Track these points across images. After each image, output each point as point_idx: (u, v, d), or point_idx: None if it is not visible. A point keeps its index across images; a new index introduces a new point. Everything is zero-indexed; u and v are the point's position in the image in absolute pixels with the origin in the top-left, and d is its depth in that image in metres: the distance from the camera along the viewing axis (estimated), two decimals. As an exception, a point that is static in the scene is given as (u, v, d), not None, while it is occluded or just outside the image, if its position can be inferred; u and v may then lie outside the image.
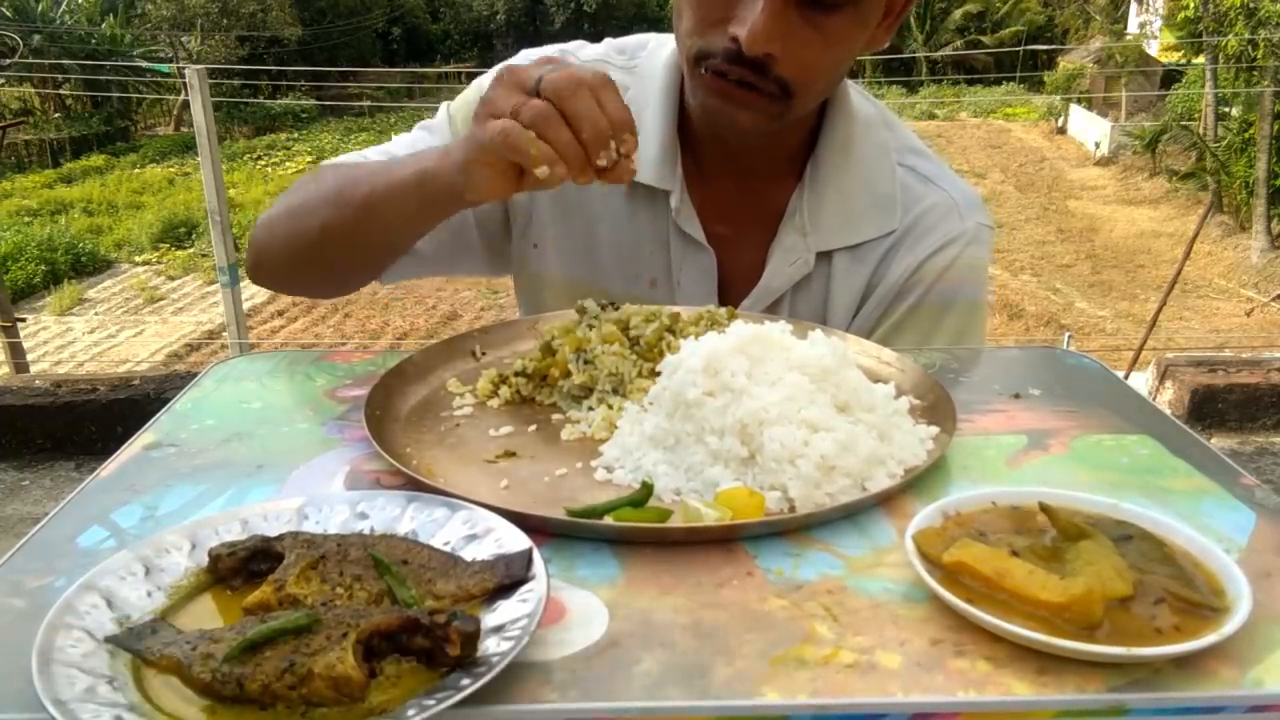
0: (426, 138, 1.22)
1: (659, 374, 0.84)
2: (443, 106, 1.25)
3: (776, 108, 1.03)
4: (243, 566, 0.63)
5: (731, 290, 1.18)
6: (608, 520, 0.68)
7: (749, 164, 1.16)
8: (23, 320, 8.92)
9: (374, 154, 1.21)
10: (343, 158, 1.22)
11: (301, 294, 1.19)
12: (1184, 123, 21.04)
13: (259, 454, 0.82)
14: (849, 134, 1.17)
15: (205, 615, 0.61)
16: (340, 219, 1.05)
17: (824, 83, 1.07)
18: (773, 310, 1.17)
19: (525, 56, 1.22)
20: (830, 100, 1.16)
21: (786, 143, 1.16)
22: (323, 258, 1.12)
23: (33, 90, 27.13)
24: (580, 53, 1.23)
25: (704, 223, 1.17)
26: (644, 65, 1.20)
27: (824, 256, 1.17)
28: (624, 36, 1.27)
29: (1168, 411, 1.12)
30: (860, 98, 1.20)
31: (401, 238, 1.08)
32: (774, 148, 1.15)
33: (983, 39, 34.48)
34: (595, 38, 1.29)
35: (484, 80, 1.23)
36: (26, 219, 19.11)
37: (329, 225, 1.06)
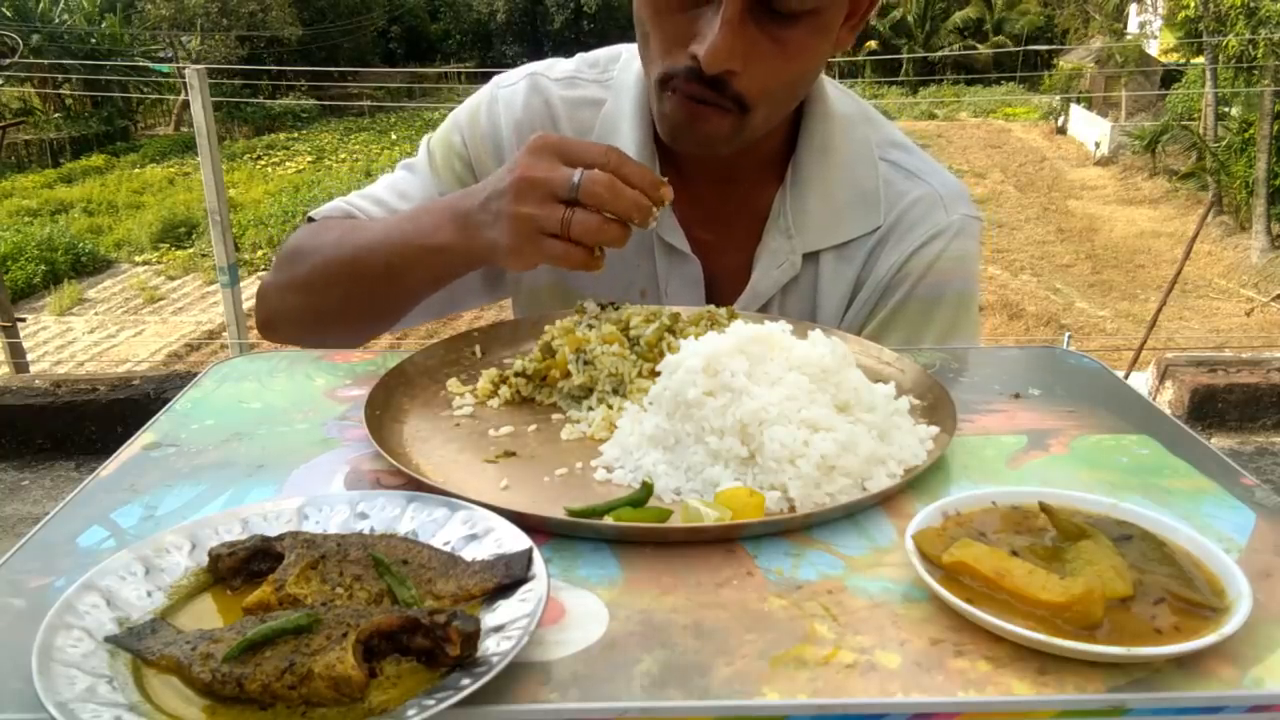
0: (409, 177, 1.24)
1: (659, 374, 0.84)
2: (423, 142, 1.27)
3: (730, 121, 1.02)
4: (243, 566, 0.63)
5: (719, 296, 1.18)
6: (608, 520, 0.68)
7: (729, 170, 1.16)
8: (23, 320, 8.92)
9: (363, 203, 1.22)
10: (333, 207, 1.23)
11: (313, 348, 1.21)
12: (1184, 123, 21.05)
13: (259, 454, 0.82)
14: (828, 133, 1.16)
15: (205, 615, 0.61)
16: (360, 293, 1.11)
17: (786, 94, 1.06)
18: (762, 313, 1.17)
19: (494, 96, 1.22)
20: (807, 100, 1.15)
21: (766, 146, 1.15)
22: (340, 325, 1.17)
23: (33, 90, 27.13)
24: (551, 71, 1.23)
25: (687, 230, 1.17)
26: (618, 78, 1.20)
27: (810, 257, 1.17)
28: (596, 49, 1.27)
29: (1168, 411, 1.12)
30: (839, 94, 1.19)
31: (418, 299, 1.14)
32: (753, 152, 1.14)
33: (978, 45, 34.49)
34: (595, 39, 1.29)
35: (459, 115, 1.25)
36: (26, 219, 19.12)
37: (348, 299, 1.12)
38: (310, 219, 1.22)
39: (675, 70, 1.01)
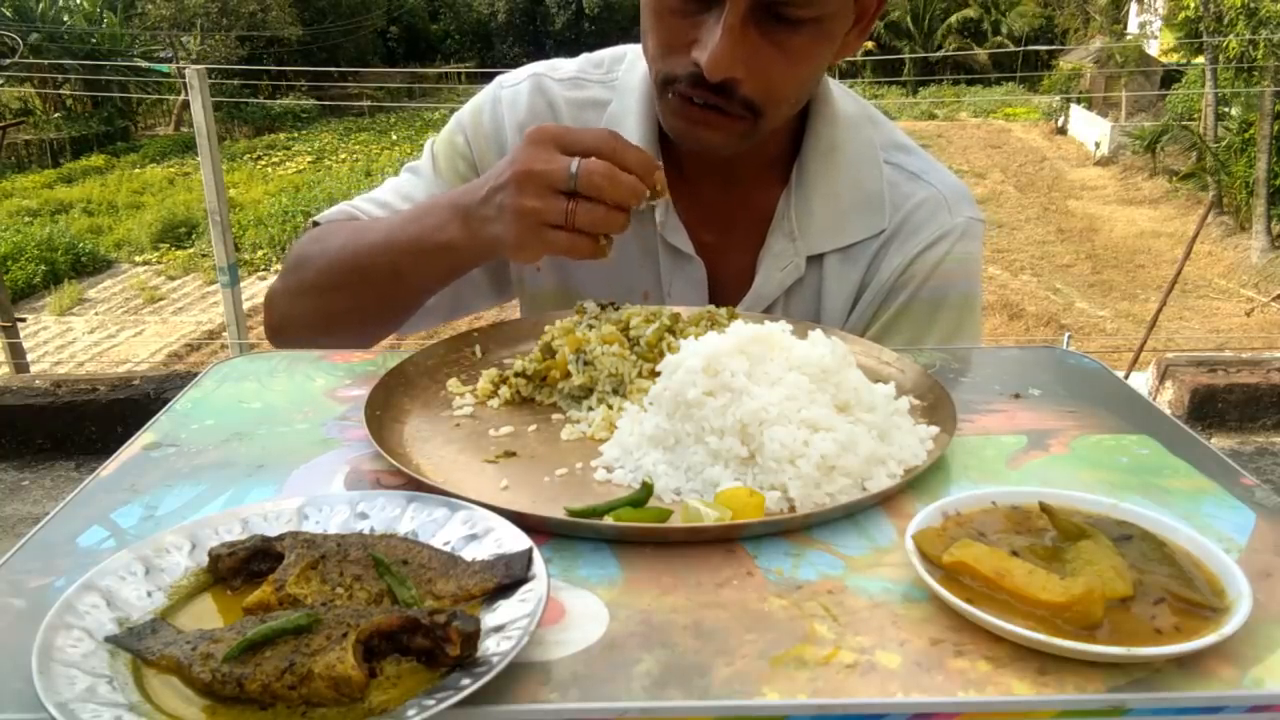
0: (413, 179, 1.25)
1: (659, 374, 0.84)
2: (427, 144, 1.27)
3: (744, 127, 1.03)
4: (243, 566, 0.63)
5: (723, 298, 1.17)
6: (608, 520, 0.68)
7: (733, 171, 1.16)
8: (23, 320, 8.92)
9: (367, 206, 1.22)
10: (338, 211, 1.23)
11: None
12: (1184, 123, 21.05)
13: (259, 454, 0.82)
14: (833, 135, 1.16)
15: (205, 615, 0.61)
16: (368, 293, 1.11)
17: (792, 98, 1.07)
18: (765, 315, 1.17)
19: (496, 96, 1.23)
20: (813, 102, 1.15)
21: (770, 148, 1.15)
22: (349, 327, 1.17)
23: (33, 90, 27.13)
24: (555, 71, 1.23)
25: (691, 232, 1.17)
26: (623, 79, 1.20)
27: (815, 260, 1.16)
28: (600, 50, 1.27)
29: (1168, 411, 1.12)
30: (844, 96, 1.19)
31: (425, 297, 1.15)
32: (758, 153, 1.14)
33: (976, 45, 34.49)
34: (596, 39, 1.29)
35: (462, 115, 1.25)
36: (26, 219, 19.12)
37: (356, 300, 1.13)
38: (315, 224, 1.23)
39: (677, 73, 1.01)
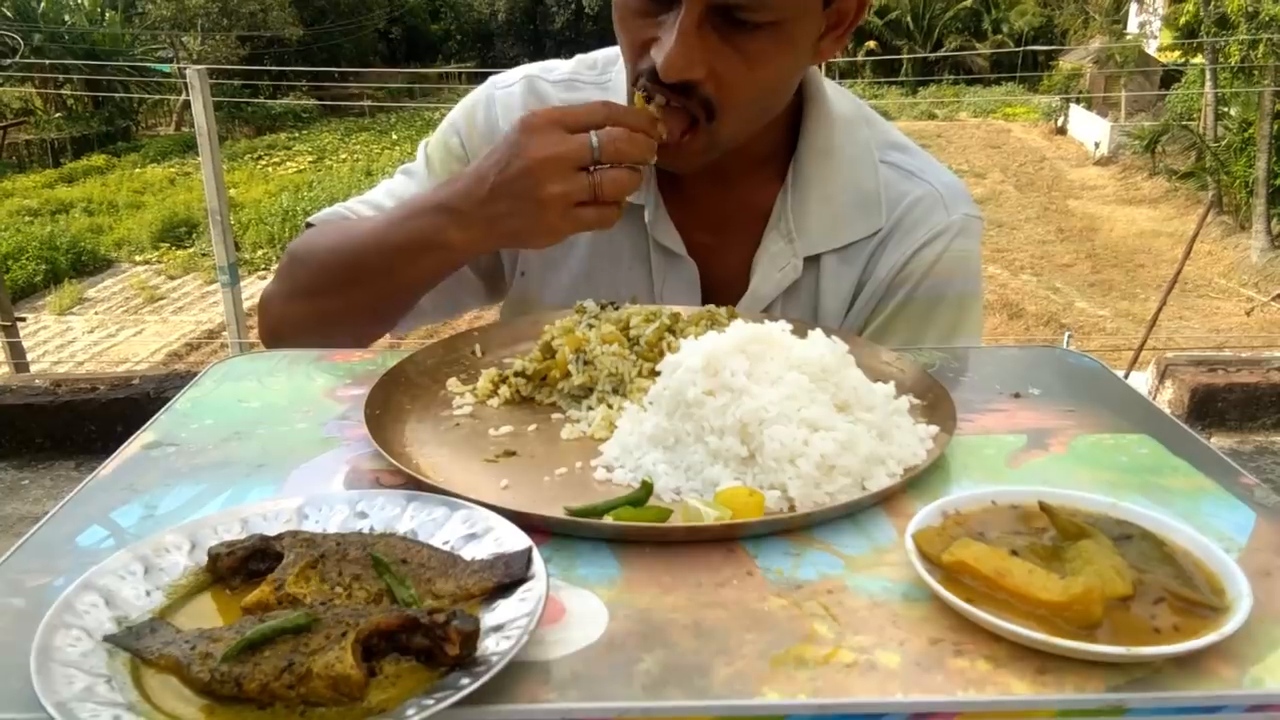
0: (407, 182, 1.25)
1: (659, 374, 0.84)
2: (420, 147, 1.27)
3: (701, 136, 1.02)
4: (242, 566, 0.63)
5: (718, 300, 1.16)
6: (608, 520, 0.68)
7: (727, 170, 1.15)
8: (23, 320, 8.92)
9: (361, 208, 1.22)
10: (332, 213, 1.24)
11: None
12: (1184, 123, 21.04)
13: (259, 454, 0.82)
14: (829, 134, 1.15)
15: (204, 615, 0.61)
16: (362, 293, 1.11)
17: (755, 103, 1.05)
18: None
19: (490, 97, 1.23)
20: (807, 101, 1.15)
21: (762, 146, 1.15)
22: (344, 327, 1.16)
23: (34, 90, 27.13)
24: (549, 73, 1.23)
25: (684, 232, 1.16)
26: (616, 80, 1.20)
27: (811, 260, 1.16)
28: (595, 50, 1.27)
29: (1168, 411, 1.12)
30: (838, 96, 1.19)
31: (419, 296, 1.15)
32: (749, 152, 1.13)
33: (976, 44, 34.49)
34: (595, 39, 1.29)
35: (455, 117, 1.25)
36: (27, 219, 19.12)
37: (350, 300, 1.12)
38: (310, 225, 1.23)
39: (642, 72, 1.01)
